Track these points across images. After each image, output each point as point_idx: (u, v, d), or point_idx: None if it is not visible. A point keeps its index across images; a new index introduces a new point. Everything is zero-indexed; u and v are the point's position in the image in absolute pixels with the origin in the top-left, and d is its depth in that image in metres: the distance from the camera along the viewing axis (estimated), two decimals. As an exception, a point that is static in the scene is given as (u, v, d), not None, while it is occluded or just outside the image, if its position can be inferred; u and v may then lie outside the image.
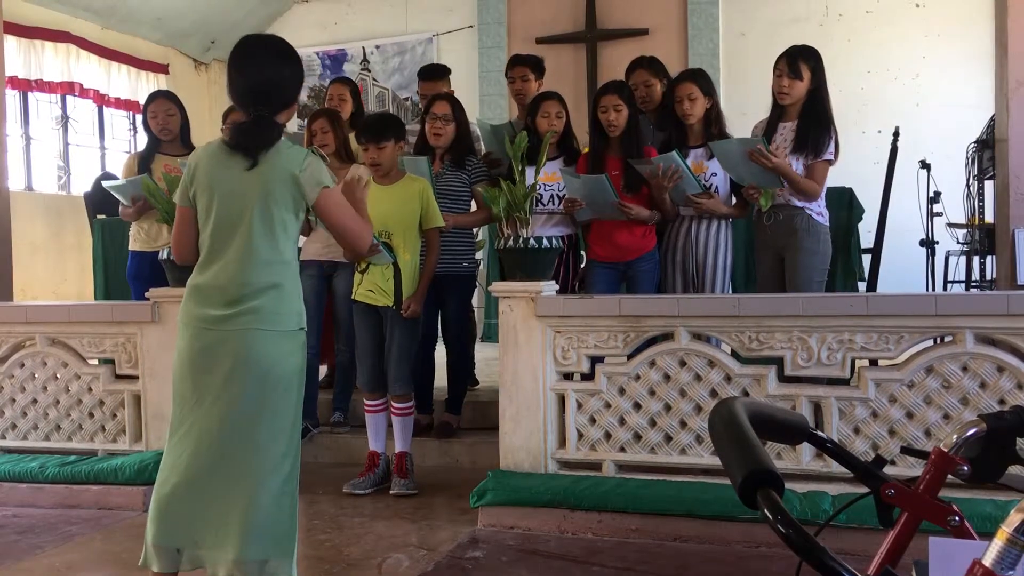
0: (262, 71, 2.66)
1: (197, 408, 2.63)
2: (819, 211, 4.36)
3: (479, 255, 5.55)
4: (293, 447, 2.70)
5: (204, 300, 2.65)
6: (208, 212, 2.66)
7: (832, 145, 4.31)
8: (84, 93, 8.82)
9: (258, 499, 2.60)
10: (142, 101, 5.50)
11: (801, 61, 4.29)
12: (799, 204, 4.32)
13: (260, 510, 2.60)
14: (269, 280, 2.63)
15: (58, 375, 4.75)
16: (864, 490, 1.25)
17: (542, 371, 3.96)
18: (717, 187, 4.46)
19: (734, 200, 4.52)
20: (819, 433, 1.30)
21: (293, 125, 9.49)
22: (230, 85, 2.73)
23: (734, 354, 3.85)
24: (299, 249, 5.05)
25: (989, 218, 6.18)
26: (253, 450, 2.61)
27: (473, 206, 4.84)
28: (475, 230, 5.23)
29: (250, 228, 2.61)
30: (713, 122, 4.51)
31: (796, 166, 4.30)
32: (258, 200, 2.61)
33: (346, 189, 2.88)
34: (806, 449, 3.63)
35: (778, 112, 4.42)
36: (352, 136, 4.98)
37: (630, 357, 3.96)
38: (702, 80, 4.49)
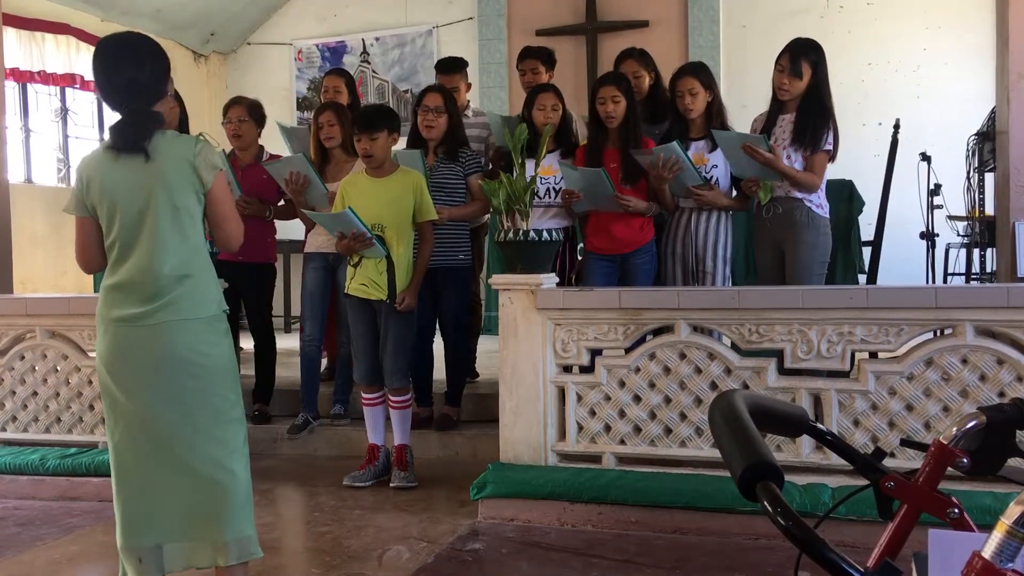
0: (125, 71, 2.63)
1: (128, 408, 2.62)
2: (819, 203, 4.35)
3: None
4: (243, 425, 2.73)
5: (120, 299, 2.63)
6: (111, 217, 2.64)
7: (831, 137, 4.30)
8: (85, 85, 8.79)
9: (233, 485, 2.64)
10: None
11: (803, 58, 4.28)
12: (798, 196, 4.32)
13: (233, 493, 2.64)
14: (182, 270, 2.62)
15: (58, 368, 4.75)
16: (864, 482, 1.25)
17: (542, 364, 3.96)
18: (718, 179, 4.46)
19: (735, 193, 4.52)
20: (819, 425, 1.30)
21: (295, 119, 9.47)
22: (98, 89, 2.72)
23: (734, 347, 3.85)
24: (303, 242, 5.10)
25: (989, 210, 6.17)
26: (204, 439, 2.62)
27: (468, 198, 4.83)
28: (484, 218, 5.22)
29: (156, 221, 2.60)
30: (715, 115, 4.50)
31: (795, 158, 4.30)
32: (159, 192, 2.60)
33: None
34: (806, 441, 3.63)
35: (778, 105, 4.41)
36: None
37: (630, 350, 3.96)
38: (703, 74, 4.47)
